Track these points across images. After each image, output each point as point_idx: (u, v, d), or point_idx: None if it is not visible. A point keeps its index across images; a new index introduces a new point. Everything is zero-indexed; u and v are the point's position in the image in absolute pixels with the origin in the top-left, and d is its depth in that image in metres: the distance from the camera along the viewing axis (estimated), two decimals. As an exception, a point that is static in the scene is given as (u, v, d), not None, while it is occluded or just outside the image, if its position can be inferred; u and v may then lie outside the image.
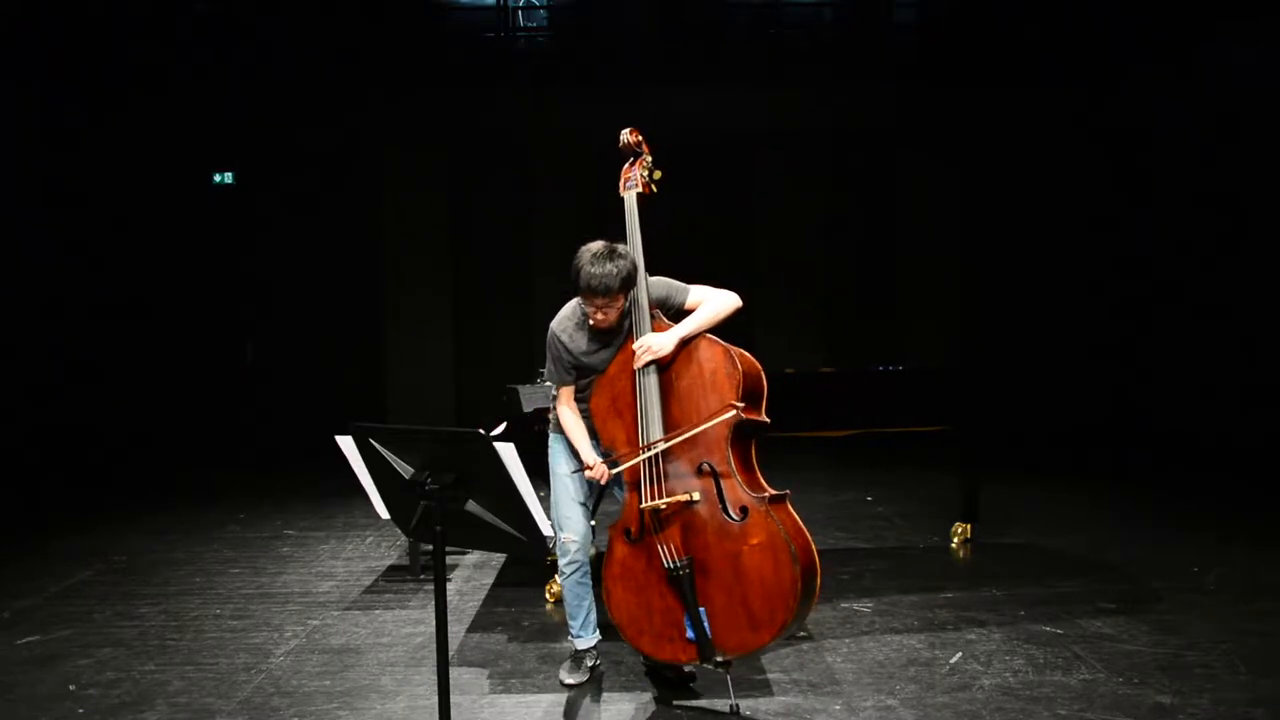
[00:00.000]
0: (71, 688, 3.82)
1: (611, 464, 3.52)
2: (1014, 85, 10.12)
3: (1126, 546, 5.64)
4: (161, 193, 10.21)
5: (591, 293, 3.41)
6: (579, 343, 3.59)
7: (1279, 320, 8.37)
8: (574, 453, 3.65)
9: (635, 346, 3.47)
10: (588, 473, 3.53)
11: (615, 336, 3.59)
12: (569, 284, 3.48)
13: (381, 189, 10.57)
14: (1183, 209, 9.57)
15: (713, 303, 3.56)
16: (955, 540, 5.75)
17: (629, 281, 3.44)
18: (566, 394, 3.66)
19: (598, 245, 3.45)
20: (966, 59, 10.11)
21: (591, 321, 3.52)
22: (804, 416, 4.99)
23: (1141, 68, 9.81)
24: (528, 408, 4.87)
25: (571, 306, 3.65)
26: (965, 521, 5.75)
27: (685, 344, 3.48)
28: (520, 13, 10.73)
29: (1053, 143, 10.31)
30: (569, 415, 3.65)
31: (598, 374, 3.60)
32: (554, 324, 3.65)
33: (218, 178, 10.48)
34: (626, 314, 3.55)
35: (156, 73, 9.82)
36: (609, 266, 3.38)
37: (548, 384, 3.97)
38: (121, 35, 9.55)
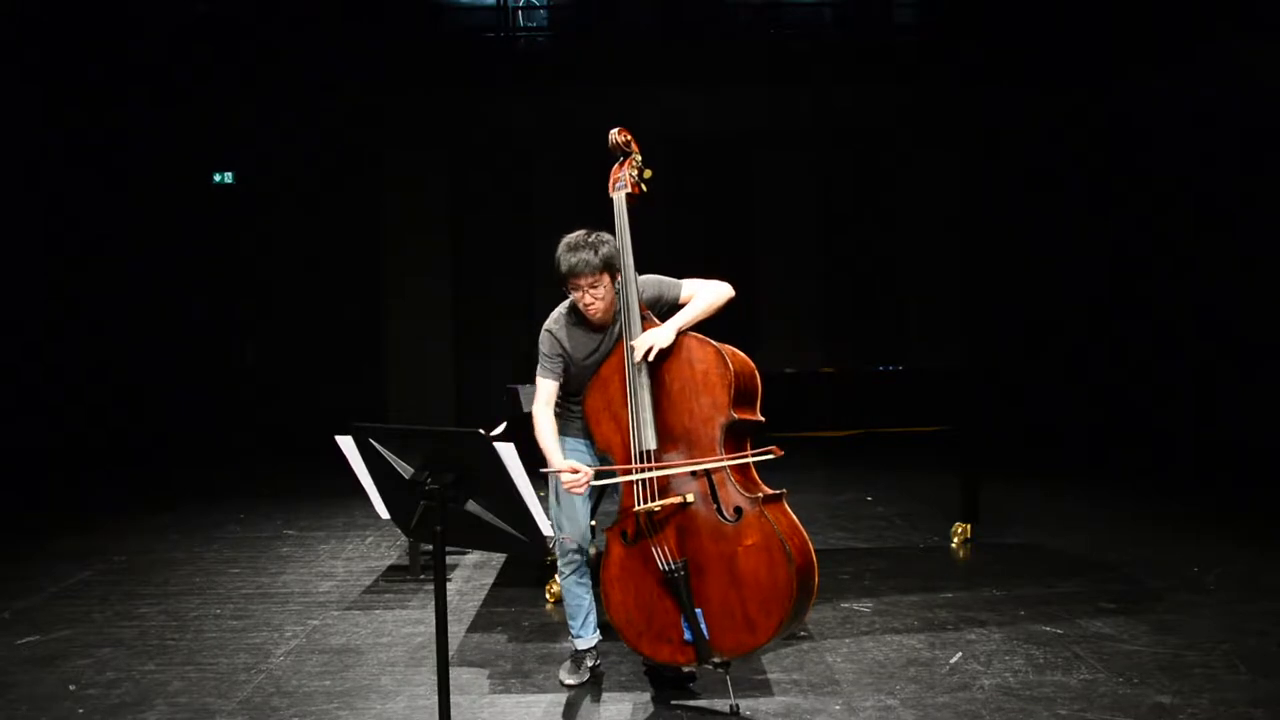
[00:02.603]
0: (71, 688, 3.82)
1: (601, 474, 3.47)
2: (1014, 85, 10.12)
3: (1126, 546, 5.64)
4: (161, 193, 10.22)
5: (573, 274, 3.41)
6: (574, 341, 3.58)
7: (1279, 320, 8.37)
8: (572, 451, 3.65)
9: (634, 345, 3.43)
10: (564, 478, 3.38)
11: (606, 339, 3.58)
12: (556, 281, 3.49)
13: (381, 189, 10.57)
14: (1183, 208, 9.56)
15: (705, 294, 3.56)
16: (955, 540, 5.75)
17: (610, 260, 3.43)
18: (549, 394, 3.58)
19: (575, 233, 3.49)
20: (966, 59, 10.11)
21: (582, 306, 3.49)
22: (804, 416, 5.00)
23: (1141, 67, 9.80)
24: (528, 408, 4.85)
25: (564, 306, 3.64)
26: (965, 521, 5.74)
27: (682, 334, 3.47)
28: (520, 13, 10.74)
29: (1053, 142, 10.31)
30: (544, 420, 3.54)
31: (587, 378, 3.59)
32: (548, 322, 3.64)
33: (218, 178, 10.48)
34: (617, 315, 3.54)
35: (156, 73, 9.82)
36: (584, 249, 3.41)
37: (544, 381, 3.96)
38: (121, 35, 9.56)
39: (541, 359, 3.62)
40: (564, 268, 3.43)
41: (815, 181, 10.61)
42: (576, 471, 3.38)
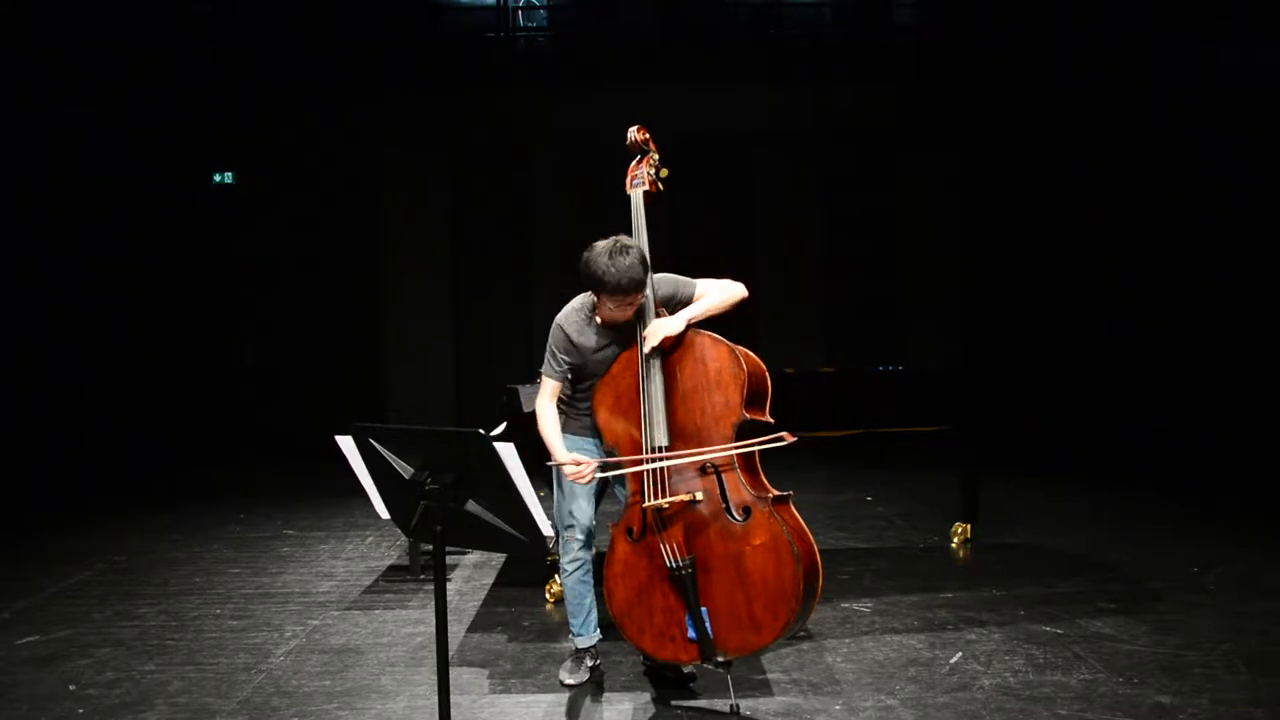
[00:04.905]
0: (71, 688, 3.82)
1: (606, 465, 3.49)
2: (1014, 85, 10.12)
3: (1126, 546, 5.63)
4: (161, 193, 10.21)
5: (622, 291, 3.35)
6: (588, 339, 3.56)
7: (1279, 319, 8.37)
8: (577, 449, 3.65)
9: (646, 335, 3.44)
10: (567, 469, 3.43)
11: (622, 334, 3.57)
12: (580, 286, 3.46)
13: (381, 189, 10.57)
14: (1183, 209, 9.56)
15: (718, 291, 3.57)
16: (955, 540, 5.75)
17: (647, 268, 3.43)
18: (552, 389, 3.61)
19: (605, 243, 3.41)
20: (966, 59, 10.11)
21: (608, 319, 3.48)
22: (804, 416, 4.98)
23: (1143, 68, 9.80)
24: (528, 408, 4.86)
25: (579, 301, 3.62)
26: (965, 521, 5.74)
27: (692, 326, 3.47)
28: (520, 13, 10.74)
29: (1053, 142, 10.31)
30: (548, 413, 3.58)
31: (599, 371, 3.58)
32: (560, 317, 3.61)
33: (218, 178, 10.48)
34: (636, 312, 3.54)
35: (156, 73, 9.82)
36: (627, 261, 3.34)
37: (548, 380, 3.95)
38: (121, 35, 9.55)
39: (548, 356, 3.61)
40: (614, 285, 3.33)
41: (815, 181, 10.61)
42: (580, 464, 3.41)
